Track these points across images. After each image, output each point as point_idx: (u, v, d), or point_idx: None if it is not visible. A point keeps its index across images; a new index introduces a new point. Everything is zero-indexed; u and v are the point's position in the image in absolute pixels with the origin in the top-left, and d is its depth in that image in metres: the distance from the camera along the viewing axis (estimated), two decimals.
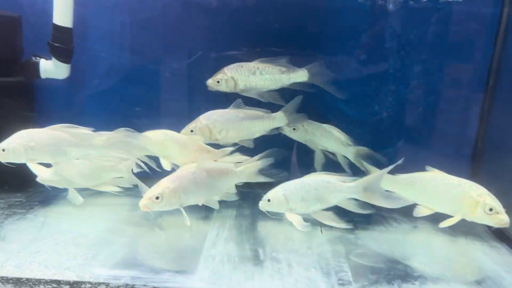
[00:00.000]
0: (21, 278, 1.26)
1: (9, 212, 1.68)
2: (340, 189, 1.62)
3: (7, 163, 1.53)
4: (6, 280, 1.25)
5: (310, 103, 1.82)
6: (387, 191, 1.65)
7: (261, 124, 1.76)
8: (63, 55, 1.79)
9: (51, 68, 1.81)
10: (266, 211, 1.66)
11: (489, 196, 1.55)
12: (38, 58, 1.82)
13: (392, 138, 2.00)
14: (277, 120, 1.79)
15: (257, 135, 1.78)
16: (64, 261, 1.36)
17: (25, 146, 1.52)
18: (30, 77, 1.81)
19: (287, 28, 1.90)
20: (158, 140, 1.67)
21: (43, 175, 1.62)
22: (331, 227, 1.68)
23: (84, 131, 1.61)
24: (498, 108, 1.85)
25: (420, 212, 1.66)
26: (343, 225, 1.65)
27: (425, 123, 1.99)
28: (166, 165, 1.69)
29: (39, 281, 1.26)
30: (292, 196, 1.62)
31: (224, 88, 1.75)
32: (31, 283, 1.25)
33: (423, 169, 1.68)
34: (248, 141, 1.76)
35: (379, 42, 1.89)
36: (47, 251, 1.41)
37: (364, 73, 1.93)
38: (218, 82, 1.74)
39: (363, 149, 1.85)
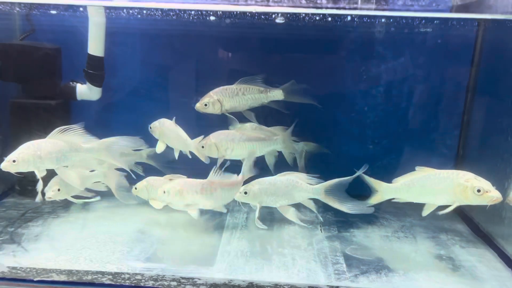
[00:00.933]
0: (72, 270, 1.53)
1: (54, 216, 1.95)
2: (305, 189, 1.85)
3: (16, 173, 1.68)
4: (60, 271, 1.52)
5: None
6: (392, 199, 1.80)
7: (262, 145, 1.98)
8: (96, 80, 2.05)
9: (86, 91, 2.08)
10: (240, 203, 1.88)
11: (476, 179, 1.64)
12: (74, 83, 2.09)
13: (383, 150, 2.25)
14: (277, 144, 2.00)
15: (258, 154, 1.99)
16: (105, 256, 1.62)
17: (33, 155, 1.67)
18: (68, 99, 2.09)
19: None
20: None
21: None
22: (329, 228, 1.94)
23: (78, 136, 1.77)
24: (474, 120, 2.10)
25: (427, 210, 1.76)
26: (300, 222, 1.90)
27: (413, 133, 2.24)
28: (159, 148, 1.99)
29: (87, 272, 1.52)
30: (265, 191, 1.84)
31: (211, 110, 1.96)
32: (80, 274, 1.51)
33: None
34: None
35: (372, 63, 2.16)
36: (90, 248, 1.68)
37: (357, 91, 2.19)
38: (205, 105, 1.95)
39: (309, 144, 2.08)
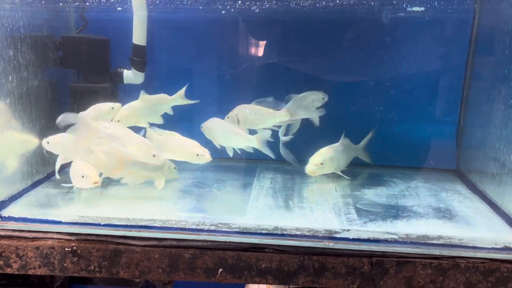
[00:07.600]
0: (129, 218, 1.86)
1: (109, 181, 2.29)
2: (246, 137, 2.14)
3: None
4: (120, 219, 1.85)
5: None
6: None
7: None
8: (139, 66, 2.38)
9: (131, 76, 2.40)
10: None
11: None
12: (122, 69, 2.40)
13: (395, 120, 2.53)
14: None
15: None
16: (155, 209, 1.95)
17: None
18: (117, 83, 2.43)
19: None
20: None
21: None
22: (343, 189, 2.23)
23: None
24: (472, 96, 2.38)
25: None
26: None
27: (421, 108, 2.51)
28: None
29: (141, 219, 1.85)
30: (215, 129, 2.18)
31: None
32: (136, 220, 1.84)
33: None
34: None
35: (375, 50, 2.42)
36: (143, 205, 2.00)
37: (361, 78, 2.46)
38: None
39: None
